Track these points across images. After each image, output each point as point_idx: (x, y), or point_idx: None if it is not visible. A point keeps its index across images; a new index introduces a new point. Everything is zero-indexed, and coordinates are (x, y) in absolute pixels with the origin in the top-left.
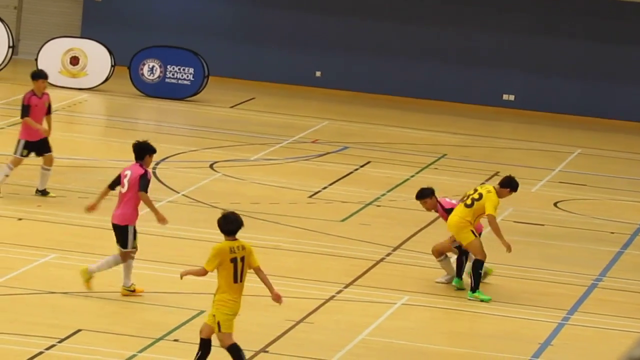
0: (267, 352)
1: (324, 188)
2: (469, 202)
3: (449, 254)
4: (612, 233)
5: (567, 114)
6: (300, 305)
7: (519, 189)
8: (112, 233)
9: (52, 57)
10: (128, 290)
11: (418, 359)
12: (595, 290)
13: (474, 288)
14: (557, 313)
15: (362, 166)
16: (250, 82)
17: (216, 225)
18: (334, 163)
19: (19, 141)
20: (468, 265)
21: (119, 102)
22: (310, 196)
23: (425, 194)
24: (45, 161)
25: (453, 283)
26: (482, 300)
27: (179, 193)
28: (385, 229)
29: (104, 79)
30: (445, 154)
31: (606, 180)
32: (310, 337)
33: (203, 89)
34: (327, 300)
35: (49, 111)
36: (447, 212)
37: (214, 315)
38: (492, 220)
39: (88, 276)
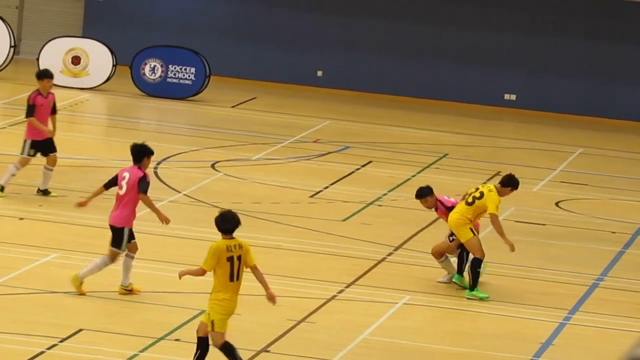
0: (268, 351)
1: (326, 188)
2: (470, 199)
3: (449, 254)
4: (613, 233)
5: (569, 114)
6: (301, 304)
7: (520, 188)
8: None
9: (53, 56)
10: (125, 290)
11: (419, 359)
12: (597, 290)
13: (472, 286)
14: (559, 313)
15: (363, 166)
16: (251, 81)
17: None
18: (335, 163)
19: (25, 141)
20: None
21: (121, 102)
22: (312, 196)
23: (424, 193)
24: (48, 161)
25: (453, 280)
26: (480, 299)
27: (180, 193)
28: (387, 228)
29: (105, 78)
30: (447, 154)
31: (607, 180)
32: (312, 337)
33: (204, 88)
34: (329, 300)
35: (54, 111)
36: (448, 210)
37: (208, 314)
38: (494, 220)
39: (79, 282)
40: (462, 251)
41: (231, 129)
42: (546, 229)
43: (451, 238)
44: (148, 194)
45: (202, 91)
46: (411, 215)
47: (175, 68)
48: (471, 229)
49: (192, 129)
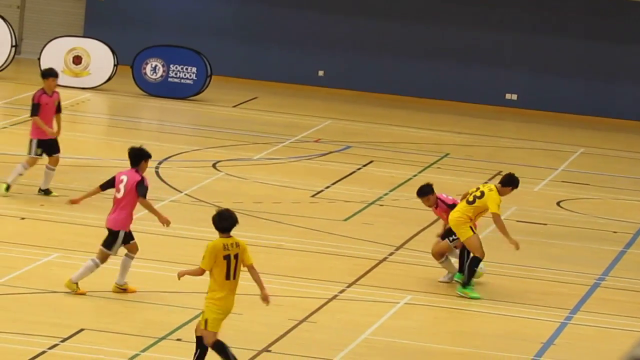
0: (270, 351)
1: (327, 187)
2: (470, 198)
3: (449, 254)
4: (615, 232)
5: (570, 113)
6: (302, 304)
7: (522, 188)
8: None
9: (54, 56)
10: (120, 288)
11: (421, 358)
12: (598, 290)
13: (465, 284)
14: (560, 312)
15: (364, 165)
16: (252, 81)
17: None
18: (336, 162)
19: (31, 140)
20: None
21: (122, 102)
22: (313, 195)
23: (427, 191)
24: (50, 161)
25: (455, 278)
26: (471, 298)
27: (181, 192)
28: (388, 228)
29: (106, 78)
30: (448, 153)
31: (609, 180)
32: (313, 337)
33: (206, 88)
34: (330, 300)
35: (58, 110)
36: (449, 207)
37: (203, 312)
38: (497, 219)
39: (74, 286)
40: (463, 249)
41: (232, 129)
42: (547, 229)
43: (452, 238)
44: (149, 194)
45: (203, 91)
46: (412, 215)
47: (176, 68)
48: (471, 228)
49: (193, 129)
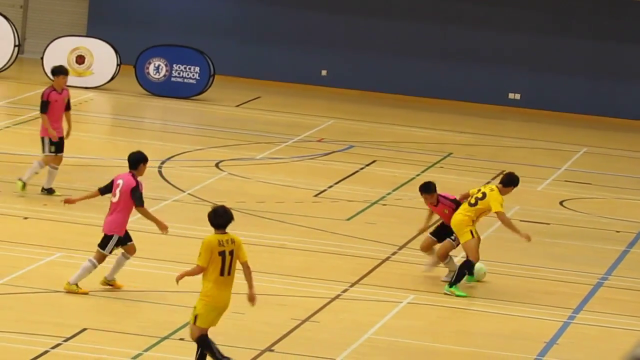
0: (272, 351)
1: (330, 187)
2: (472, 200)
3: (451, 253)
4: (618, 232)
5: (573, 113)
6: (305, 304)
7: (525, 187)
8: None
9: (57, 56)
10: (107, 283)
11: (424, 358)
12: (601, 289)
13: (453, 282)
14: (563, 312)
15: (367, 165)
16: (255, 81)
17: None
18: (339, 162)
19: (42, 139)
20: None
21: (125, 101)
22: (316, 195)
23: (432, 188)
24: (54, 160)
25: (466, 281)
26: (457, 296)
27: (184, 192)
28: (391, 227)
29: (109, 77)
30: (451, 153)
31: (612, 179)
32: (316, 336)
33: (209, 87)
34: (333, 299)
35: (68, 107)
36: (453, 202)
37: (194, 307)
38: (502, 217)
39: (75, 287)
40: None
41: (235, 128)
42: (550, 228)
43: (453, 237)
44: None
45: (206, 90)
46: (415, 214)
47: (179, 67)
48: (471, 231)
49: (196, 128)
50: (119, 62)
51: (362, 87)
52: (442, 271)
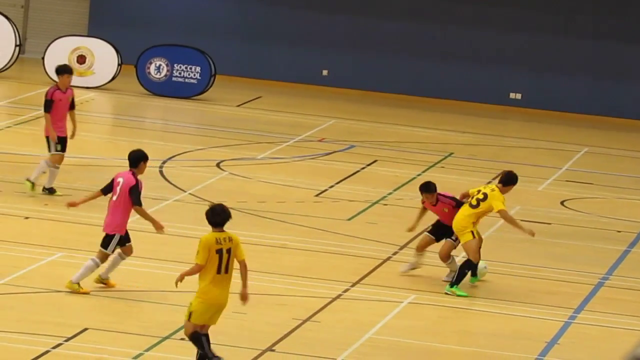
0: (274, 350)
1: (331, 187)
2: (474, 202)
3: (453, 252)
4: (619, 232)
5: (574, 113)
6: (306, 304)
7: (526, 187)
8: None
9: (59, 55)
10: (101, 281)
11: (425, 358)
12: (602, 289)
13: (454, 283)
14: (564, 312)
15: (368, 165)
16: (257, 80)
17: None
18: (340, 162)
19: (47, 138)
20: (480, 263)
21: (126, 101)
22: (317, 195)
23: (432, 188)
24: (56, 159)
25: (469, 282)
26: (458, 296)
27: (185, 192)
28: (392, 227)
29: (110, 77)
30: (452, 153)
31: (613, 179)
32: (317, 336)
33: (210, 87)
34: (334, 299)
35: (72, 106)
36: (453, 200)
37: (190, 304)
38: (504, 215)
39: (76, 286)
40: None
41: (236, 128)
42: (551, 228)
43: (454, 237)
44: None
45: (207, 90)
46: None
47: (180, 67)
48: (472, 232)
49: (197, 128)
50: (119, 62)
51: (363, 87)
52: (443, 271)
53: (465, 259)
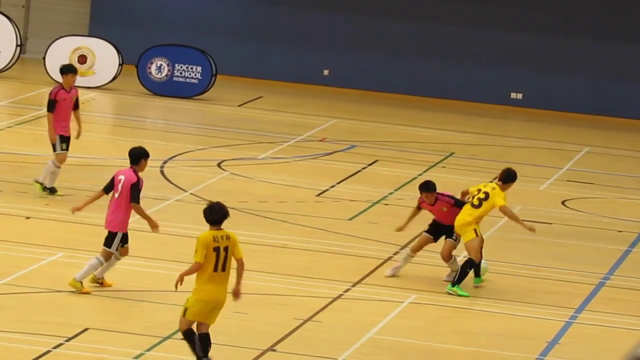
0: (275, 350)
1: (332, 186)
2: (476, 202)
3: (454, 252)
4: (620, 232)
5: (575, 112)
6: (308, 303)
7: (527, 187)
8: None
9: (59, 55)
10: (96, 281)
11: (426, 358)
12: (603, 289)
13: (456, 282)
14: (565, 311)
15: (369, 165)
16: (258, 80)
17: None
18: (341, 162)
19: None
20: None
21: (127, 101)
22: (318, 195)
23: (432, 187)
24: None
25: (473, 283)
26: (459, 295)
27: (186, 192)
28: (393, 227)
29: (111, 77)
30: (453, 153)
31: (614, 179)
32: (318, 336)
33: (211, 87)
34: (335, 299)
35: (76, 106)
36: (452, 198)
37: (187, 300)
38: (505, 210)
39: (79, 284)
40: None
41: (237, 128)
42: (552, 228)
43: (454, 237)
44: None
45: (208, 90)
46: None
47: (181, 67)
48: (475, 230)
49: (198, 128)
50: (121, 62)
51: (364, 86)
52: (444, 271)
53: (466, 258)
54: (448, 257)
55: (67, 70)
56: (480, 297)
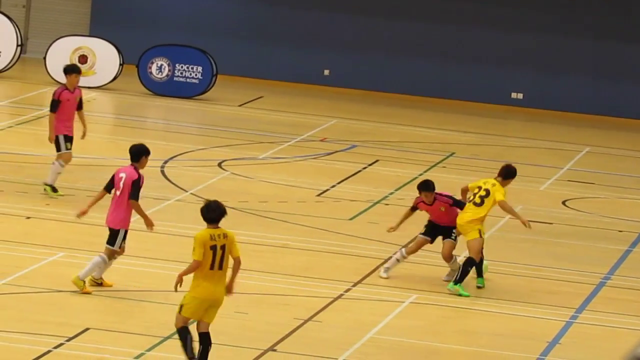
0: (275, 350)
1: (333, 186)
2: (478, 200)
3: (454, 252)
4: (621, 231)
5: (576, 112)
6: (308, 303)
7: (527, 187)
8: None
9: (60, 55)
10: (95, 282)
11: (427, 357)
12: (604, 289)
13: (457, 280)
14: (566, 311)
15: (370, 164)
16: (258, 80)
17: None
18: (342, 161)
19: (57, 137)
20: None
21: (128, 101)
22: (319, 194)
23: (431, 187)
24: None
25: (477, 284)
26: (460, 295)
27: (187, 192)
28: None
29: (112, 77)
30: (454, 153)
31: (614, 179)
32: (319, 336)
33: (211, 87)
34: (336, 299)
35: (80, 106)
36: (452, 198)
37: (184, 297)
38: (503, 205)
39: (82, 283)
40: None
41: (238, 128)
42: (553, 228)
43: (454, 236)
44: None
45: (209, 90)
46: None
47: (182, 67)
48: (479, 230)
49: (199, 128)
50: (121, 62)
51: (364, 86)
52: (444, 271)
53: (466, 257)
54: (449, 257)
55: (71, 70)
56: (480, 297)
